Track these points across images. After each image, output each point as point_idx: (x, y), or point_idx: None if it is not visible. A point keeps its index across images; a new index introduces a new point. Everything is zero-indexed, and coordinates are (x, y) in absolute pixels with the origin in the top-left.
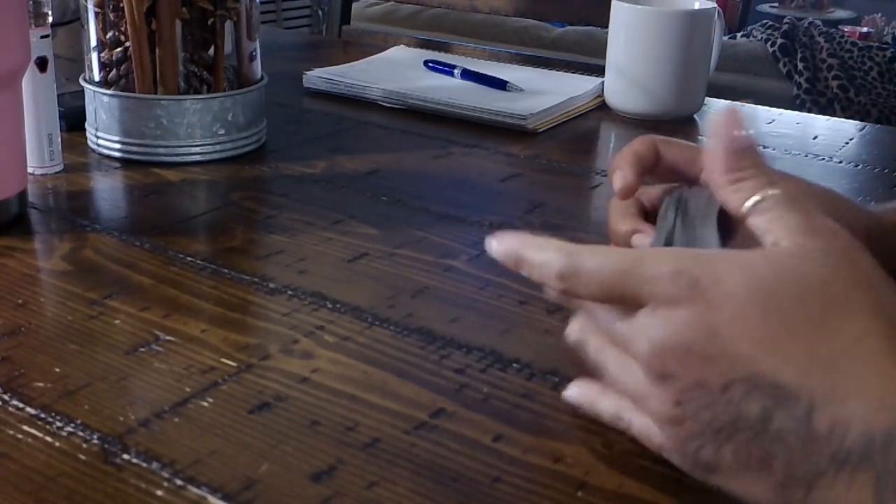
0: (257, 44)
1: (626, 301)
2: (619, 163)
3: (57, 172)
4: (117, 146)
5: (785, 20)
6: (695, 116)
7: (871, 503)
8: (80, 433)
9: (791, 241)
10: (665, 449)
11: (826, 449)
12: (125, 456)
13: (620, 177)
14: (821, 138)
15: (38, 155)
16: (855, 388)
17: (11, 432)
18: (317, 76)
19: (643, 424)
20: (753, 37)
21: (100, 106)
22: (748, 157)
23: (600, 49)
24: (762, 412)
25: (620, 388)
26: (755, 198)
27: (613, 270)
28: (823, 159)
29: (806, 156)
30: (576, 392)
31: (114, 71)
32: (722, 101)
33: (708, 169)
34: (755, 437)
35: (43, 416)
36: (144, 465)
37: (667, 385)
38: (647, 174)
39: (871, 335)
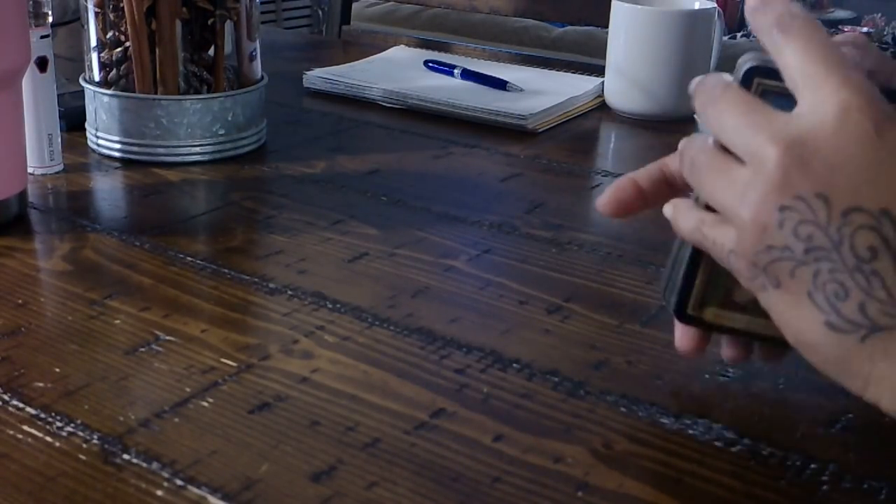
0: (257, 44)
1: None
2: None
3: (57, 172)
4: (117, 146)
5: None
6: (695, 116)
7: None
8: (80, 433)
9: None
10: (735, 252)
11: None
12: (125, 456)
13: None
14: None
15: (38, 155)
16: None
17: (11, 432)
18: (317, 76)
19: (719, 232)
20: (753, 37)
21: (100, 106)
22: None
23: (600, 49)
24: (869, 250)
25: (713, 193)
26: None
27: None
28: None
29: None
30: (669, 208)
31: (114, 71)
32: None
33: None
34: (845, 270)
35: (43, 416)
36: (144, 465)
37: (782, 187)
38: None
39: None
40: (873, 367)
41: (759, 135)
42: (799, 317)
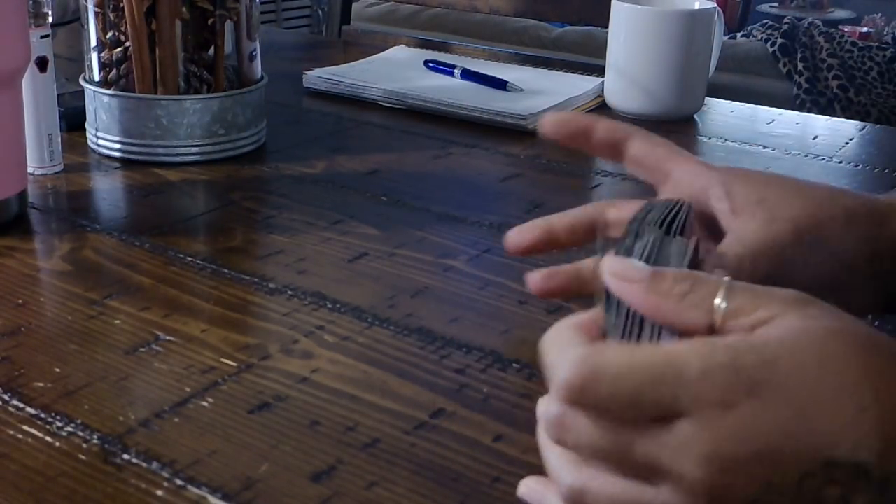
0: (257, 44)
1: (660, 410)
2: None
3: (57, 172)
4: (117, 146)
5: (785, 20)
6: (695, 116)
7: None
8: (80, 433)
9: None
10: None
11: None
12: (125, 456)
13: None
14: (821, 138)
15: (38, 155)
16: None
17: (11, 432)
18: (317, 76)
19: None
20: (753, 37)
21: (100, 106)
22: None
23: (600, 49)
24: (842, 496)
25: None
26: (719, 303)
27: (642, 377)
28: (823, 159)
29: (806, 156)
30: None
31: (114, 71)
32: (722, 101)
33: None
34: None
35: (43, 416)
36: (144, 465)
37: (730, 497)
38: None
39: None
40: None
41: (673, 460)
42: None
